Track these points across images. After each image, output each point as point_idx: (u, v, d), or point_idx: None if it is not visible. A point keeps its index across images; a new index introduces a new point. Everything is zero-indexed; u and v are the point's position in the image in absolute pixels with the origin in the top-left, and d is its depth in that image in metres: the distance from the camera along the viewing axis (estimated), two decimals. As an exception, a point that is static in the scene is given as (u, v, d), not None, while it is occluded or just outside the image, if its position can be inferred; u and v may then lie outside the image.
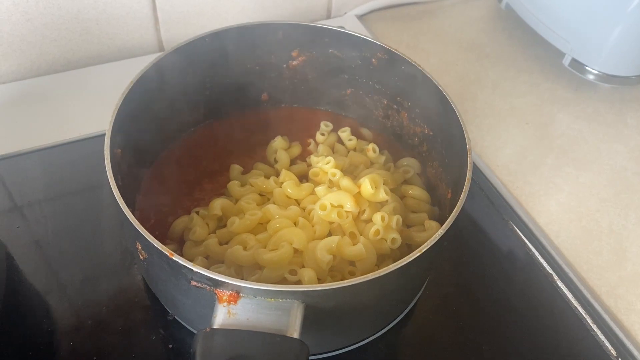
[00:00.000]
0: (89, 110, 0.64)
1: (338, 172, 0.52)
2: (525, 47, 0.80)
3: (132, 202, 0.52)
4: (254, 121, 0.62)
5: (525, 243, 0.57)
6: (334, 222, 0.50)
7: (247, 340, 0.34)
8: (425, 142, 0.57)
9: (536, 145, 0.67)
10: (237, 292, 0.36)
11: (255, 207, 0.50)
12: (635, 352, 0.50)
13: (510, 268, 0.56)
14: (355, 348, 0.48)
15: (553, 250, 0.57)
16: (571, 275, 0.55)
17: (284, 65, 0.60)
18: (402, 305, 0.50)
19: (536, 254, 0.56)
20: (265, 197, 0.53)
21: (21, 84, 0.68)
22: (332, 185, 0.53)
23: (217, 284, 0.36)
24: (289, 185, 0.52)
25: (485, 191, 0.62)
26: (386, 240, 0.48)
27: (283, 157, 0.57)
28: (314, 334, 0.37)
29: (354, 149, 0.59)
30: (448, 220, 0.40)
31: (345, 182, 0.51)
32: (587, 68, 0.70)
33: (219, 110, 0.61)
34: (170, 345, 0.47)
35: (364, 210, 0.51)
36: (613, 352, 0.50)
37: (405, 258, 0.38)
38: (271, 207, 0.50)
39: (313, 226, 0.49)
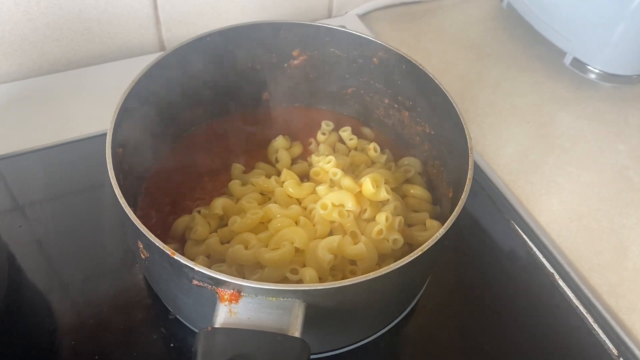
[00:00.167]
0: (91, 110, 0.64)
1: (339, 172, 0.52)
2: (526, 46, 0.80)
3: (134, 201, 0.52)
4: (255, 120, 0.62)
5: (527, 242, 0.57)
6: (335, 222, 0.50)
7: (249, 339, 0.34)
8: (427, 141, 0.57)
9: (537, 145, 0.67)
10: (239, 291, 0.36)
11: (256, 207, 0.50)
12: (636, 351, 0.50)
13: (511, 267, 0.56)
14: (357, 347, 0.48)
15: (554, 250, 0.57)
16: (572, 274, 0.55)
17: (285, 65, 0.60)
18: (403, 304, 0.50)
19: (537, 253, 0.56)
20: (266, 197, 0.53)
21: (23, 84, 0.68)
22: (333, 184, 0.53)
23: (219, 283, 0.36)
24: (290, 184, 0.52)
25: (487, 190, 0.62)
26: (388, 241, 0.48)
27: (284, 156, 0.57)
28: (316, 333, 0.37)
29: (355, 148, 0.59)
30: (449, 219, 0.40)
31: (347, 181, 0.51)
32: (588, 67, 0.70)
33: (220, 109, 0.61)
34: (172, 344, 0.47)
35: (365, 210, 0.51)
36: (614, 351, 0.50)
37: (406, 257, 0.38)
38: (272, 207, 0.50)
39: (314, 225, 0.49)
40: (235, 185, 0.53)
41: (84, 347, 0.47)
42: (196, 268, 0.36)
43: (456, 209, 0.41)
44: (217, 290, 0.36)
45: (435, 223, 0.50)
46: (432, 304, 0.52)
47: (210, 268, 0.36)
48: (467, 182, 0.43)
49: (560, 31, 0.71)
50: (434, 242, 0.39)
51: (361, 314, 0.43)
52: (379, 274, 0.36)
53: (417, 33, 0.81)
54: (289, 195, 0.52)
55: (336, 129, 0.61)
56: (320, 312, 0.38)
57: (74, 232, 0.54)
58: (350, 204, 0.49)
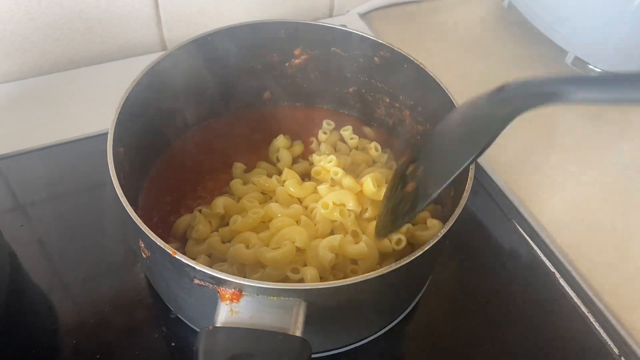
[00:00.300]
0: (92, 109, 0.64)
1: (340, 171, 0.52)
2: (528, 45, 0.80)
3: (135, 200, 0.52)
4: (256, 119, 0.62)
5: (528, 241, 0.57)
6: (336, 221, 0.50)
7: (250, 339, 0.34)
8: (428, 140, 0.57)
9: (539, 144, 0.67)
10: (240, 291, 0.36)
11: (257, 206, 0.50)
12: (637, 351, 0.50)
13: (512, 266, 0.56)
14: (358, 346, 0.48)
15: (555, 249, 0.57)
16: (573, 273, 0.55)
17: (286, 64, 0.60)
18: (404, 303, 0.50)
19: (538, 252, 0.56)
20: (267, 196, 0.53)
21: (24, 83, 0.68)
22: (334, 183, 0.53)
23: (220, 282, 0.36)
24: (291, 183, 0.52)
25: (488, 189, 0.62)
26: (389, 240, 0.48)
27: (285, 155, 0.57)
28: (317, 332, 0.37)
29: (356, 148, 0.59)
30: (450, 218, 0.40)
31: (348, 180, 0.51)
32: (590, 66, 0.69)
33: (221, 108, 0.61)
34: (173, 343, 0.47)
35: (366, 209, 0.51)
36: (616, 350, 0.50)
37: (407, 257, 0.38)
38: (273, 206, 0.50)
39: (315, 224, 0.49)
40: (236, 184, 0.53)
41: (85, 346, 0.47)
42: (197, 267, 0.36)
43: (457, 208, 0.41)
44: (219, 290, 0.36)
45: (436, 222, 0.50)
46: (434, 303, 0.52)
47: (211, 267, 0.36)
48: (468, 181, 0.43)
49: (562, 30, 0.71)
50: (435, 241, 0.39)
51: (362, 313, 0.43)
52: (380, 274, 0.36)
53: (418, 32, 0.81)
54: (290, 195, 0.52)
55: (337, 128, 0.61)
56: (322, 311, 0.38)
57: (75, 231, 0.54)
58: (351, 204, 0.49)
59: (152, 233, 0.38)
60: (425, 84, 0.52)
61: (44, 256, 0.53)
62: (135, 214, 0.39)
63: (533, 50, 0.79)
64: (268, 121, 0.62)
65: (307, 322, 0.36)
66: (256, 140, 0.60)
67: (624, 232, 0.59)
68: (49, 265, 0.52)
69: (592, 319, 0.52)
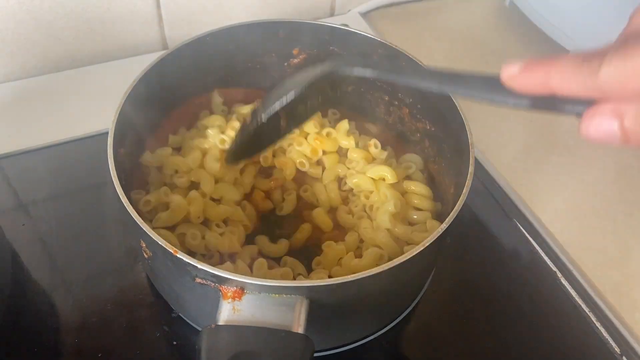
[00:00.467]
0: (93, 109, 0.64)
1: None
2: (529, 44, 0.80)
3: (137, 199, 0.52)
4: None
5: (529, 241, 0.57)
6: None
7: (252, 336, 0.34)
8: (427, 138, 0.57)
9: (540, 143, 0.67)
10: (242, 289, 0.36)
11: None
12: (639, 350, 0.50)
13: (514, 266, 0.56)
14: (360, 345, 0.48)
15: (557, 248, 0.57)
16: (575, 273, 0.55)
17: (285, 64, 0.60)
18: (405, 301, 0.50)
19: (540, 251, 0.56)
20: None
21: (26, 82, 0.68)
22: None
23: (222, 280, 0.36)
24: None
25: (489, 189, 0.62)
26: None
27: None
28: (319, 329, 0.37)
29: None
30: (450, 215, 0.40)
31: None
32: (591, 65, 0.69)
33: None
34: (175, 342, 0.47)
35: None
36: (617, 349, 0.50)
37: (408, 253, 0.38)
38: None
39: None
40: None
41: (87, 345, 0.47)
42: (199, 266, 0.36)
43: (457, 205, 0.41)
44: (220, 288, 0.36)
45: (435, 223, 0.51)
46: (435, 301, 0.52)
47: (214, 266, 0.36)
48: (468, 178, 0.43)
49: (563, 29, 0.71)
50: (436, 237, 0.39)
51: (364, 311, 0.43)
52: (381, 270, 0.36)
53: (420, 31, 0.81)
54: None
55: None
56: (324, 309, 0.38)
57: (77, 230, 0.54)
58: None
59: (153, 233, 0.37)
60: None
61: (45, 255, 0.53)
62: (136, 214, 0.38)
63: (534, 48, 0.79)
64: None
65: (310, 319, 0.36)
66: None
67: (625, 231, 0.59)
68: (51, 264, 0.52)
69: (593, 318, 0.52)
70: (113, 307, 0.49)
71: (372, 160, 0.57)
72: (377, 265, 0.37)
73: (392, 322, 0.49)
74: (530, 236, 0.57)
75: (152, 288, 0.50)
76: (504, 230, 0.58)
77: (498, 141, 0.67)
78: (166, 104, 0.55)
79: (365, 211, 0.53)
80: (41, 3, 0.65)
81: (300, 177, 0.56)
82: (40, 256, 0.52)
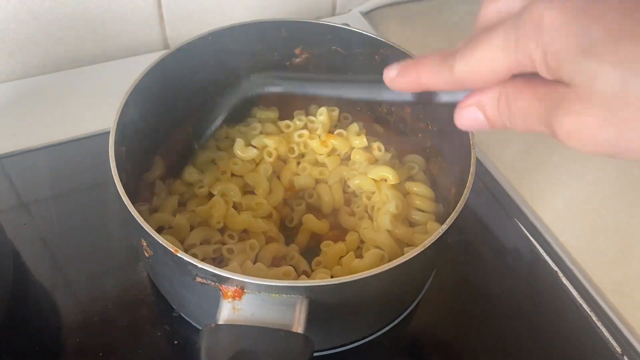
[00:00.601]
0: (95, 108, 0.64)
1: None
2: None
3: (137, 199, 0.52)
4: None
5: (530, 240, 0.57)
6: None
7: (252, 336, 0.34)
8: (429, 138, 0.57)
9: (542, 142, 0.67)
10: (242, 288, 0.36)
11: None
12: (640, 349, 0.50)
13: (515, 265, 0.55)
14: (360, 344, 0.48)
15: (558, 248, 0.56)
16: (576, 272, 0.55)
17: (287, 63, 0.60)
18: (405, 302, 0.50)
19: (541, 251, 0.56)
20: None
21: (27, 82, 0.68)
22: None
23: (222, 280, 0.36)
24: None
25: (490, 188, 0.62)
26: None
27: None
28: (319, 329, 0.37)
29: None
30: (451, 215, 0.40)
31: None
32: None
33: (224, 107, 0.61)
34: (176, 342, 0.47)
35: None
36: (618, 349, 0.50)
37: (408, 254, 0.38)
38: None
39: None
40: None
41: (89, 344, 0.47)
42: (200, 265, 0.36)
43: (458, 205, 0.41)
44: (221, 287, 0.36)
45: (435, 225, 0.50)
46: (436, 301, 0.52)
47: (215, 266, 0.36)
48: (469, 178, 0.43)
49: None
50: (437, 237, 0.39)
51: (364, 311, 0.43)
52: (382, 270, 0.36)
53: (421, 30, 0.81)
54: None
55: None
56: (324, 309, 0.38)
57: (78, 229, 0.55)
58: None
59: (154, 232, 0.38)
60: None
61: (47, 254, 0.53)
62: (137, 213, 0.39)
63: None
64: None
65: (310, 319, 0.36)
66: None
67: (626, 231, 0.59)
68: (52, 263, 0.52)
69: (594, 318, 0.52)
70: (114, 306, 0.49)
71: (374, 161, 0.57)
72: (378, 266, 0.37)
73: (392, 322, 0.49)
74: (531, 236, 0.57)
75: (153, 287, 0.50)
76: (505, 230, 0.58)
77: (499, 140, 0.67)
78: (167, 104, 0.55)
79: (366, 212, 0.53)
80: (42, 3, 0.65)
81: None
82: (41, 255, 0.52)
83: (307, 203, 0.54)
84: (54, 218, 0.55)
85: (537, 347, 0.50)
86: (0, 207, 0.56)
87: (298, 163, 0.56)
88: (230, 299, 0.36)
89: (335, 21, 0.57)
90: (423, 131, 0.57)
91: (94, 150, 0.60)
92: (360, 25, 0.78)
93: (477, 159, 0.44)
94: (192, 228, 0.48)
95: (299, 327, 0.35)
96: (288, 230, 0.53)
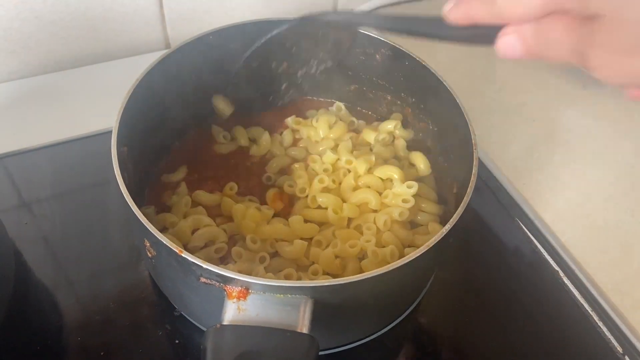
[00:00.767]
0: (96, 107, 0.64)
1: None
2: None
3: (139, 198, 0.52)
4: (258, 118, 0.62)
5: (532, 240, 0.57)
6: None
7: (258, 336, 0.34)
8: (430, 138, 0.57)
9: (543, 142, 0.67)
10: (247, 288, 0.36)
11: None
12: (641, 349, 0.50)
13: (516, 265, 0.56)
14: (364, 343, 0.48)
15: (559, 247, 0.57)
16: (577, 272, 0.55)
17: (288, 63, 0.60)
18: (407, 301, 0.50)
19: (542, 251, 0.56)
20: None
21: (29, 81, 0.68)
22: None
23: (227, 280, 0.36)
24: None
25: (492, 188, 0.62)
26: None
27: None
28: (324, 329, 0.37)
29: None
30: (454, 216, 0.40)
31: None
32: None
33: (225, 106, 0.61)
34: (177, 341, 0.48)
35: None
36: (619, 349, 0.50)
37: (410, 255, 0.38)
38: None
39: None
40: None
41: (90, 343, 0.47)
42: (204, 266, 0.36)
43: (461, 206, 0.41)
44: (225, 288, 0.36)
45: (437, 226, 0.51)
46: (437, 300, 0.52)
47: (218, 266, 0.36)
48: (471, 179, 0.43)
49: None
50: (439, 238, 0.39)
51: (367, 310, 0.43)
52: (385, 271, 0.37)
53: (421, 30, 0.81)
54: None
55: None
56: (328, 308, 0.38)
57: (80, 228, 0.55)
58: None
59: (158, 232, 0.37)
60: (426, 81, 0.52)
61: (48, 254, 0.53)
62: (140, 213, 0.39)
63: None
64: (270, 118, 0.62)
65: (314, 319, 0.36)
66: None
67: (628, 230, 0.59)
68: (54, 262, 0.52)
69: (595, 318, 0.52)
70: (115, 306, 0.49)
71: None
72: (381, 266, 0.37)
73: (395, 321, 0.50)
74: (533, 235, 0.57)
75: (155, 287, 0.50)
76: (506, 230, 0.58)
77: (501, 141, 0.67)
78: (169, 103, 0.55)
79: (371, 212, 0.52)
80: (44, 2, 0.65)
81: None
82: (43, 254, 0.52)
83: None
84: (56, 217, 0.55)
85: (539, 347, 0.50)
86: (1, 207, 0.55)
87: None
88: (235, 300, 0.36)
89: (337, 21, 0.57)
90: (424, 131, 0.57)
91: (96, 149, 0.60)
92: (361, 25, 0.78)
93: (479, 159, 0.44)
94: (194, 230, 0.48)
95: (303, 327, 0.35)
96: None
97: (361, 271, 0.47)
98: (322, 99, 0.64)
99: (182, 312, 0.48)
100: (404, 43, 0.54)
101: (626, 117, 0.71)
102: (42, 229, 0.54)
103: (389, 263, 0.37)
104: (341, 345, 0.47)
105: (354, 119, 0.61)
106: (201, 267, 0.36)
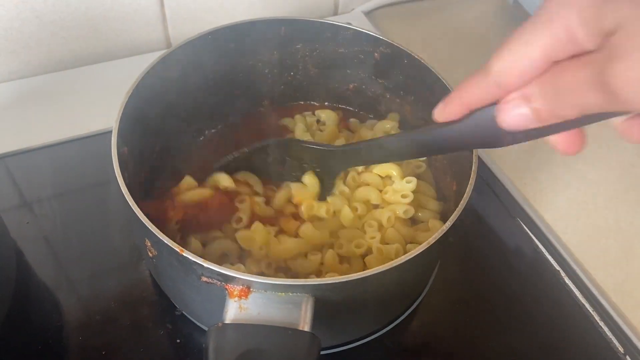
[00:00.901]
0: (97, 107, 0.64)
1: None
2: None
3: (140, 198, 0.52)
4: (258, 118, 0.62)
5: (533, 239, 0.57)
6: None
7: (259, 335, 0.34)
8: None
9: (544, 142, 0.67)
10: (248, 287, 0.36)
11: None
12: (642, 349, 0.50)
13: (517, 265, 0.56)
14: (364, 342, 0.48)
15: (560, 247, 0.57)
16: (578, 272, 0.55)
17: (287, 61, 0.60)
18: (409, 300, 0.50)
19: (543, 250, 0.56)
20: None
21: (30, 81, 0.68)
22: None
23: (228, 279, 0.36)
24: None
25: (493, 188, 0.62)
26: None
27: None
28: (325, 327, 0.37)
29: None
30: (454, 214, 0.40)
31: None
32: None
33: (224, 106, 0.61)
34: (178, 340, 0.47)
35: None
36: (620, 348, 0.50)
37: (411, 252, 0.38)
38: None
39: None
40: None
41: (91, 342, 0.47)
42: (206, 265, 0.36)
43: (460, 204, 0.41)
44: (227, 287, 0.36)
45: (437, 223, 0.51)
46: (438, 300, 0.52)
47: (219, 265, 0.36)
48: (471, 176, 0.43)
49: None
50: (440, 236, 0.39)
51: (368, 308, 0.43)
52: (386, 268, 0.37)
53: (423, 30, 0.81)
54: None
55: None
56: (329, 307, 0.38)
57: (81, 228, 0.55)
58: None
59: (158, 231, 0.37)
60: (425, 79, 0.52)
61: (49, 253, 0.53)
62: (141, 213, 0.38)
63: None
64: (270, 118, 0.62)
65: (316, 317, 0.36)
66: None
67: (629, 230, 0.59)
68: (55, 262, 0.52)
69: (596, 317, 0.52)
70: (116, 305, 0.49)
71: None
72: (382, 263, 0.37)
73: (396, 319, 0.50)
74: (534, 235, 0.57)
75: (156, 286, 0.50)
76: (507, 229, 0.58)
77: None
78: (169, 103, 0.55)
79: (371, 209, 0.52)
80: (45, 2, 0.65)
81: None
82: (44, 254, 0.52)
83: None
84: (57, 217, 0.55)
85: (539, 347, 0.50)
86: (3, 206, 0.55)
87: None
88: (236, 298, 0.36)
89: (338, 21, 0.57)
90: (425, 130, 0.57)
91: (97, 149, 0.60)
92: (362, 25, 0.78)
93: (479, 158, 0.44)
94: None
95: (305, 325, 0.35)
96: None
97: (364, 268, 0.47)
98: (325, 104, 0.64)
99: (183, 312, 0.48)
100: (405, 42, 0.54)
101: (627, 117, 0.71)
102: (43, 228, 0.54)
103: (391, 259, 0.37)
104: (343, 344, 0.47)
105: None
106: (202, 266, 0.36)
